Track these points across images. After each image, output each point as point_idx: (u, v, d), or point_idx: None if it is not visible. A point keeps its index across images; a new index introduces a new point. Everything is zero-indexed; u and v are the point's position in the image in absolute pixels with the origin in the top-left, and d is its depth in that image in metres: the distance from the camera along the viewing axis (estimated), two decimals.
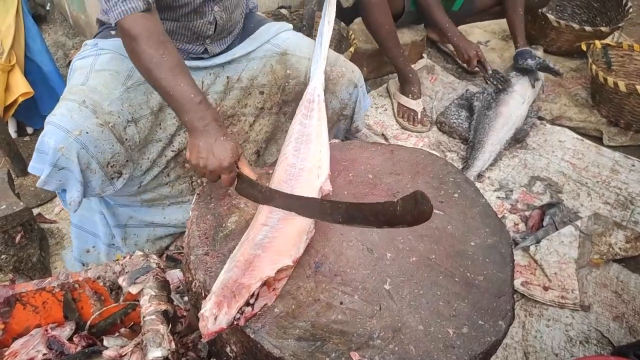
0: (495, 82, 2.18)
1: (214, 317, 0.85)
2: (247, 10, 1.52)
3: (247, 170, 1.09)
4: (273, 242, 0.95)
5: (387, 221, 0.83)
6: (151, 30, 1.07)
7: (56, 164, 1.17)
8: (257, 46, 1.47)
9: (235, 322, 0.86)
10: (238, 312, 0.86)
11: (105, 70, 1.27)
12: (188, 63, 1.32)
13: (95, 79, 1.26)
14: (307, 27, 2.26)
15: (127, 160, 1.29)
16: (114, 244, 1.55)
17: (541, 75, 2.30)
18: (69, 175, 1.20)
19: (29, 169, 1.23)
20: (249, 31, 1.51)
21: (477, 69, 2.21)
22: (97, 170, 1.23)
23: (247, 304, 0.88)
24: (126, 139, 1.27)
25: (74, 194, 1.23)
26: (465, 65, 2.31)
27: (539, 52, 2.39)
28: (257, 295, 0.90)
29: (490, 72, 2.17)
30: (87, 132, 1.17)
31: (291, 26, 1.58)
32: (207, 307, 0.86)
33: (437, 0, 2.20)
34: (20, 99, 1.84)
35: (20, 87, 1.83)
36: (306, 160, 1.13)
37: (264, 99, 1.51)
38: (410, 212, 0.77)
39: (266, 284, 0.91)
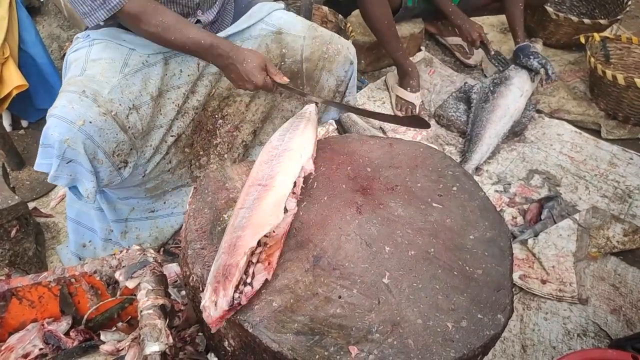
0: (496, 63, 2.18)
1: (213, 303, 0.84)
2: None
3: (280, 79, 1.28)
4: (250, 219, 0.95)
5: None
6: (142, 4, 1.17)
7: (63, 156, 1.16)
8: (250, 24, 1.47)
9: (236, 302, 0.86)
10: (236, 291, 0.86)
11: (101, 59, 1.27)
12: None
13: (92, 68, 1.25)
14: (305, 18, 2.24)
15: (131, 149, 1.29)
16: (110, 239, 1.54)
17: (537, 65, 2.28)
18: (78, 168, 1.20)
19: (36, 167, 1.22)
20: (241, 11, 1.51)
21: (480, 49, 2.21)
22: (104, 160, 1.22)
23: (245, 283, 0.87)
24: (129, 127, 1.27)
25: (88, 185, 1.22)
26: (468, 44, 2.31)
27: (539, 46, 2.38)
28: (254, 273, 0.89)
29: (492, 53, 2.17)
30: (91, 122, 1.16)
31: (283, 5, 1.58)
32: (206, 298, 0.86)
33: None
34: (15, 92, 1.82)
35: (14, 79, 1.81)
36: (291, 143, 1.15)
37: None
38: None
39: (259, 260, 0.90)
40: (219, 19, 1.45)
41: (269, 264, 0.92)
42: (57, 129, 1.14)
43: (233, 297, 0.85)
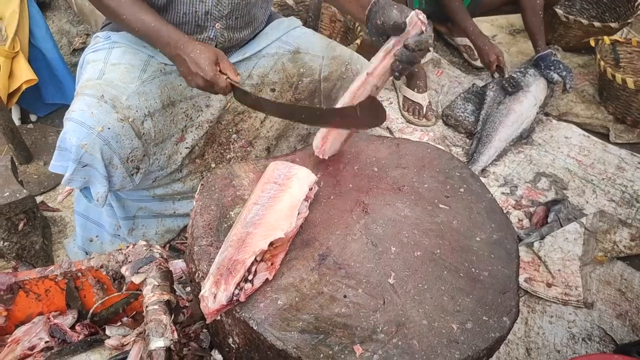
0: (507, 85, 2.14)
1: (213, 295, 0.85)
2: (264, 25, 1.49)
3: (233, 76, 1.17)
4: (264, 218, 0.95)
5: (349, 122, 1.04)
6: None
7: (80, 161, 1.16)
8: (267, 43, 1.45)
9: (235, 299, 0.86)
10: (237, 288, 0.86)
11: (121, 64, 1.26)
12: None
13: (112, 72, 1.25)
14: (313, 18, 2.24)
15: (143, 155, 1.29)
16: (119, 235, 1.55)
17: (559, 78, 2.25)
18: (92, 172, 1.20)
19: (51, 168, 1.22)
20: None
21: (496, 73, 2.17)
22: (119, 166, 1.22)
23: (246, 280, 0.88)
24: (143, 134, 1.27)
25: (100, 189, 1.22)
26: (483, 65, 2.29)
27: (559, 55, 2.35)
28: (255, 271, 0.90)
29: (507, 76, 2.13)
30: (109, 128, 1.16)
31: (300, 22, 1.55)
32: (206, 288, 0.86)
33: (462, 6, 2.18)
34: (24, 86, 1.83)
35: (24, 74, 1.82)
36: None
37: (275, 96, 1.50)
38: (367, 114, 0.96)
39: (263, 259, 0.91)
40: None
41: (272, 264, 0.92)
42: (75, 134, 1.13)
43: (233, 293, 0.86)
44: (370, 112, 0.95)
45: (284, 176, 1.06)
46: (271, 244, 0.91)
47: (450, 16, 2.27)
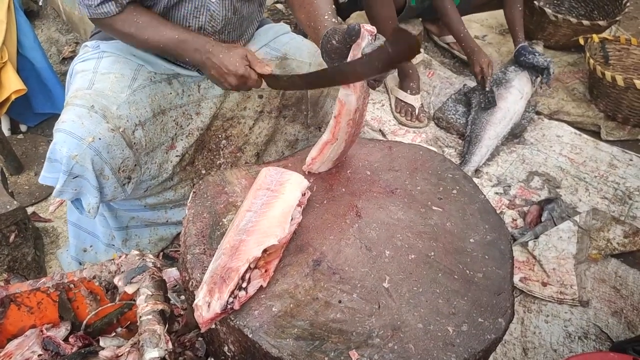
0: (482, 99, 2.14)
1: (207, 304, 0.85)
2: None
3: (262, 68, 1.18)
4: (257, 225, 0.95)
5: (384, 64, 0.87)
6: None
7: (71, 172, 1.15)
8: (256, 49, 1.45)
9: (229, 307, 0.86)
10: (231, 296, 0.86)
11: (111, 73, 1.26)
12: (185, 70, 1.36)
13: (101, 82, 1.24)
14: None
15: (135, 165, 1.28)
16: (113, 245, 1.54)
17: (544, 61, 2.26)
18: (84, 183, 1.19)
19: (41, 180, 1.21)
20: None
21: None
22: (110, 176, 1.21)
23: (240, 288, 0.88)
24: (134, 143, 1.26)
25: (92, 200, 1.21)
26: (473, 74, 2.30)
27: (539, 48, 2.38)
28: (249, 279, 0.89)
29: (487, 88, 2.14)
30: (100, 138, 1.15)
31: (289, 28, 1.55)
32: (200, 297, 0.86)
33: (455, 10, 2.19)
34: (13, 96, 1.82)
35: (13, 84, 1.81)
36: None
37: (263, 103, 1.50)
38: (400, 47, 0.82)
39: (257, 266, 0.91)
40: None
41: (265, 271, 0.92)
42: (65, 145, 1.12)
43: (227, 302, 0.85)
44: (401, 44, 0.83)
45: (276, 182, 1.06)
46: (264, 250, 0.91)
47: (440, 17, 2.28)
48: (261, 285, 0.91)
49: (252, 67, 1.18)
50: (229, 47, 1.19)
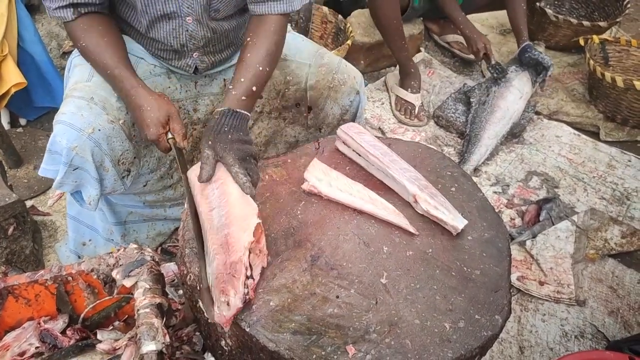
0: (493, 72, 2.18)
1: (225, 303, 0.84)
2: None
3: (177, 137, 1.11)
4: (230, 215, 0.94)
5: None
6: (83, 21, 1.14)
7: (71, 164, 1.14)
8: None
9: (247, 298, 0.86)
10: (244, 287, 0.86)
11: None
12: (179, 70, 1.35)
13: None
14: (304, 20, 2.24)
15: (134, 157, 1.28)
16: (112, 239, 1.54)
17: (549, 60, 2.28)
18: (84, 175, 1.18)
19: (41, 173, 1.20)
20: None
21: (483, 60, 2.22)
22: (110, 168, 1.20)
23: (247, 277, 0.88)
24: (134, 135, 1.26)
25: (92, 192, 1.21)
26: (473, 55, 2.32)
27: (541, 49, 2.37)
28: (250, 265, 0.89)
29: (493, 62, 2.18)
30: (100, 130, 1.15)
31: (290, 27, 1.54)
32: (217, 300, 0.85)
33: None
34: (13, 90, 1.81)
35: (13, 77, 1.80)
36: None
37: (262, 103, 1.49)
38: None
39: (251, 251, 0.90)
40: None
41: (260, 251, 0.92)
42: (65, 136, 1.12)
43: (244, 293, 0.85)
44: None
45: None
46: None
47: (440, 7, 2.28)
48: (263, 267, 0.91)
49: (172, 131, 1.12)
50: (155, 103, 1.11)
